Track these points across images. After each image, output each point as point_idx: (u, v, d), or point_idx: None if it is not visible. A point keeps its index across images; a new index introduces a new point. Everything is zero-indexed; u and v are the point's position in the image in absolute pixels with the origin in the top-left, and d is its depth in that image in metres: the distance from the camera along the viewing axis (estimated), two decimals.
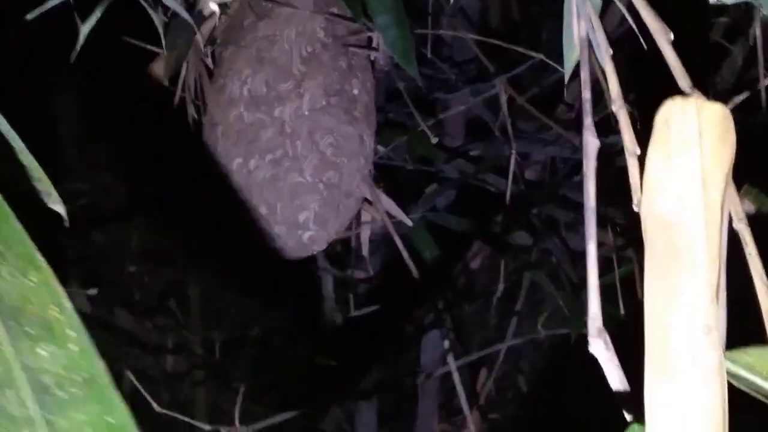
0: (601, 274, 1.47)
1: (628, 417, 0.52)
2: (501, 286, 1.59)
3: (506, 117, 1.65)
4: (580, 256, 1.72)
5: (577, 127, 1.77)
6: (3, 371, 0.35)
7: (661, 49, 0.52)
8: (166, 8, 1.33)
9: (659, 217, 0.48)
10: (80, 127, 1.95)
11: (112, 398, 0.35)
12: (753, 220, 0.52)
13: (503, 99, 1.63)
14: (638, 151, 0.54)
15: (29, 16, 0.65)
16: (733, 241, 0.48)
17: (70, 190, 1.83)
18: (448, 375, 1.73)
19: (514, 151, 1.62)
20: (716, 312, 0.45)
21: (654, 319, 0.47)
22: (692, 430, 0.44)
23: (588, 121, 0.62)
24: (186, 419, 1.22)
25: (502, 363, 1.75)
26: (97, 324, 1.90)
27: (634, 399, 0.54)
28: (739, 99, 1.02)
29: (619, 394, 0.52)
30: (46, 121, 1.85)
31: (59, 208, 0.44)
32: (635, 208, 0.52)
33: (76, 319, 0.36)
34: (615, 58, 0.62)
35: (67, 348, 0.36)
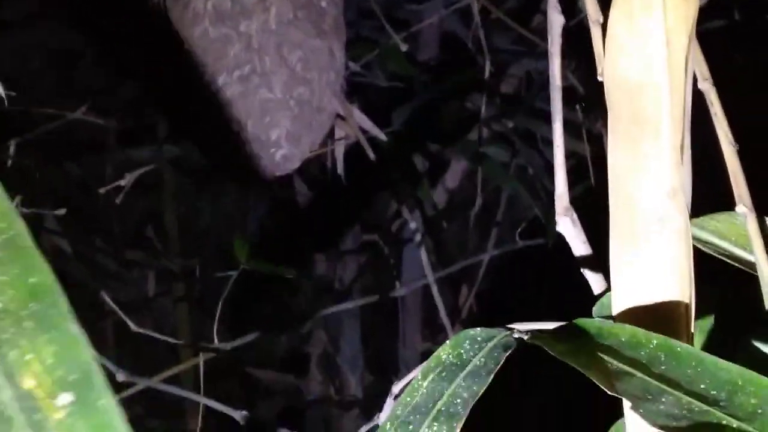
0: (577, 182, 1.46)
1: (595, 291, 0.52)
2: (479, 200, 1.58)
3: (479, 29, 1.62)
4: None
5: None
6: None
7: None
8: None
9: (622, 81, 0.46)
10: (53, 54, 1.91)
11: (33, 259, 0.33)
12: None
13: (475, 9, 1.59)
14: (601, 19, 0.52)
15: None
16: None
17: (44, 116, 1.80)
18: (430, 295, 1.72)
19: (488, 64, 1.59)
20: (681, 175, 0.44)
21: (618, 186, 0.45)
22: (659, 293, 0.43)
23: None
24: (162, 337, 1.21)
25: (483, 279, 1.74)
26: (75, 255, 1.89)
27: (603, 274, 0.53)
28: None
29: (586, 267, 0.51)
30: (18, 49, 1.81)
31: None
32: (599, 78, 0.51)
33: None
34: None
35: None
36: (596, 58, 0.51)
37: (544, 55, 1.82)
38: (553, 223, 1.50)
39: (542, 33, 1.72)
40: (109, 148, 1.92)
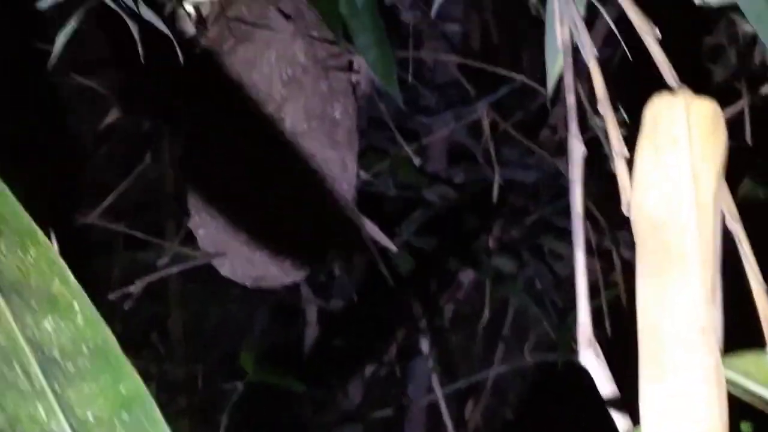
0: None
1: (621, 429, 0.50)
2: (486, 312, 1.57)
3: (489, 142, 1.64)
4: (566, 282, 1.70)
5: (561, 150, 1.76)
6: (8, 344, 0.33)
7: (647, 46, 0.51)
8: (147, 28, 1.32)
9: (650, 217, 0.46)
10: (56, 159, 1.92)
11: (122, 367, 0.33)
12: (749, 211, 0.50)
13: (485, 123, 1.61)
14: (626, 153, 0.52)
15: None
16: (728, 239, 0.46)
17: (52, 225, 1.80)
18: (434, 408, 1.69)
19: (497, 176, 1.60)
20: (712, 313, 0.43)
21: (647, 322, 0.45)
22: None
23: (573, 126, 0.60)
24: None
25: (489, 393, 1.72)
26: None
27: (627, 410, 0.52)
28: (739, 105, 1.00)
29: (611, 404, 0.50)
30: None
31: None
32: (624, 211, 0.51)
33: (80, 292, 0.34)
34: (604, 68, 0.60)
35: (73, 320, 0.34)
36: (621, 190, 0.51)
37: (552, 167, 1.83)
38: (562, 338, 1.48)
39: (549, 146, 1.75)
40: (116, 251, 1.91)
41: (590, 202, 1.58)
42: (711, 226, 0.45)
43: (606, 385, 0.50)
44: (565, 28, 0.62)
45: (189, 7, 0.45)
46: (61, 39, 0.60)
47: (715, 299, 0.44)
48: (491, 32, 1.85)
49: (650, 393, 0.43)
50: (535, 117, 1.77)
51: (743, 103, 1.03)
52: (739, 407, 0.45)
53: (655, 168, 0.46)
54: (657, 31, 0.51)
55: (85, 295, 0.35)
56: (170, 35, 0.83)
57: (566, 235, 1.71)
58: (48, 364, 0.34)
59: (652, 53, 0.50)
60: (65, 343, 0.34)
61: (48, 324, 0.35)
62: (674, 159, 0.46)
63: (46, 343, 0.34)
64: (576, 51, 0.64)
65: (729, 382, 0.46)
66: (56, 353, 0.34)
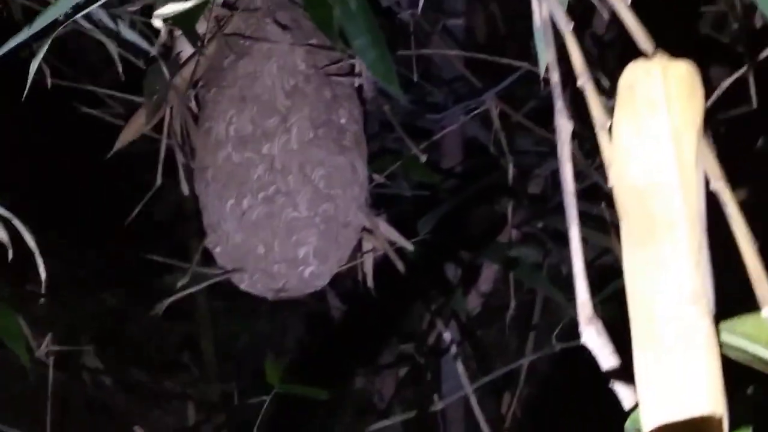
0: (610, 280, 1.42)
1: (626, 406, 0.49)
2: (513, 304, 1.56)
3: (500, 133, 1.63)
4: (593, 266, 1.68)
5: (574, 135, 1.74)
6: None
7: (618, 13, 0.50)
8: (145, 55, 1.32)
9: (632, 186, 0.45)
10: (76, 192, 1.94)
11: None
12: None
13: (494, 114, 1.60)
14: (609, 124, 0.51)
15: None
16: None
17: (79, 256, 1.82)
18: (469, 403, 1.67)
19: (511, 166, 1.59)
20: (701, 278, 0.42)
21: (636, 293, 0.44)
22: (688, 406, 0.41)
23: (559, 104, 0.59)
24: None
25: (525, 384, 1.70)
26: (113, 383, 1.88)
27: (633, 387, 0.50)
28: (727, 83, 0.99)
29: (615, 382, 0.49)
30: (38, 191, 1.85)
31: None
32: (609, 185, 0.50)
33: None
34: (605, 57, 0.59)
35: None
36: (605, 162, 0.50)
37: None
38: None
39: None
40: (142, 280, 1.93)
41: (605, 181, 1.55)
42: (695, 188, 0.44)
43: (608, 361, 0.49)
44: (543, 6, 0.61)
45: (158, 23, 0.44)
46: (34, 65, 0.60)
47: (703, 264, 0.43)
48: (496, 24, 1.84)
49: (644, 363, 0.42)
50: (545, 104, 1.75)
51: (747, 69, 1.01)
52: (742, 372, 0.44)
53: (635, 136, 0.45)
54: None
55: None
56: (157, 55, 0.83)
57: (589, 219, 1.69)
58: None
59: (623, 19, 0.49)
60: None
61: None
62: (653, 124, 0.45)
63: None
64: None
65: (730, 346, 0.45)
66: None
